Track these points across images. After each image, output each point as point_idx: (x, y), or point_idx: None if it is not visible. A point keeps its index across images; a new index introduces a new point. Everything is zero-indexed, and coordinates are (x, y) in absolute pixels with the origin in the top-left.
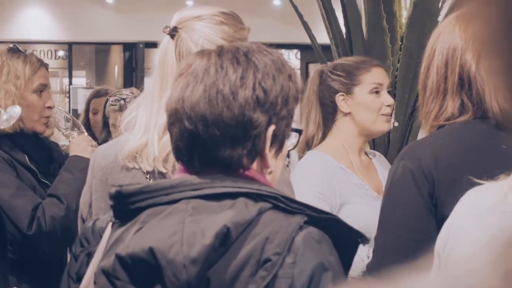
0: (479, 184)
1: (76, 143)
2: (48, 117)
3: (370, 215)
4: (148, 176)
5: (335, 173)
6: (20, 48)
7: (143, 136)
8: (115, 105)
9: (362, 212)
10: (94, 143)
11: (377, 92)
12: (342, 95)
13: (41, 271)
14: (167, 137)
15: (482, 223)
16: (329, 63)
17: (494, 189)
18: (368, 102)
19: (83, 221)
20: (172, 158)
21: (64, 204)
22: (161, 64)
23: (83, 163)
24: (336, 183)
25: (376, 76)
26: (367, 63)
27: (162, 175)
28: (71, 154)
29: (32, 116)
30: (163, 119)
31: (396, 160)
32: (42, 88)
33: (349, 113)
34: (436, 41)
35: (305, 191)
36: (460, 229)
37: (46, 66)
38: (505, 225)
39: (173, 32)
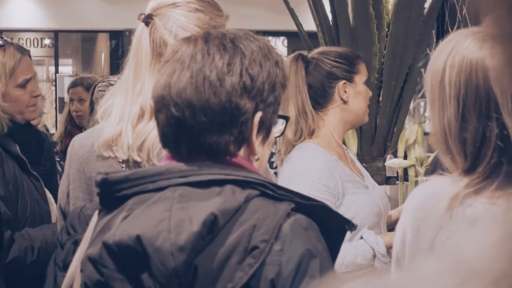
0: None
1: None
2: (34, 105)
3: (368, 204)
4: (123, 165)
5: (333, 165)
6: None
7: (118, 124)
8: (104, 90)
9: (362, 201)
10: None
11: (365, 83)
12: (345, 83)
13: None
14: (141, 125)
15: (437, 226)
16: (311, 51)
17: (447, 187)
18: (364, 92)
19: (61, 211)
20: (146, 147)
21: (33, 256)
22: (135, 52)
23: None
24: (337, 174)
25: (365, 67)
26: (356, 53)
27: (137, 164)
28: None
29: (20, 109)
30: (137, 108)
31: None
32: (27, 82)
33: (346, 101)
34: None
35: (311, 184)
36: (414, 230)
37: (28, 53)
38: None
39: (147, 20)
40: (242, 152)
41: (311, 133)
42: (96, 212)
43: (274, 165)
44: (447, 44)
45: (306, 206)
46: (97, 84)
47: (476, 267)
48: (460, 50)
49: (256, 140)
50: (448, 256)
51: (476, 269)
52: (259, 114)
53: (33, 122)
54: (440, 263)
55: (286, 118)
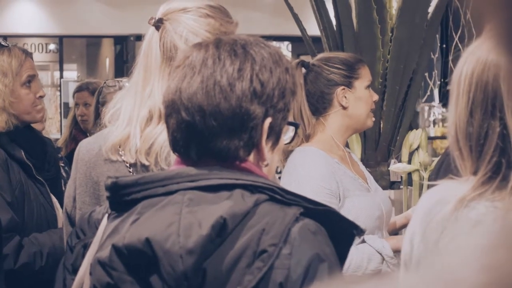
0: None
1: None
2: (39, 105)
3: (370, 206)
4: (131, 169)
5: (334, 168)
6: (2, 42)
7: (125, 128)
8: (115, 85)
9: (363, 204)
10: None
11: (368, 87)
12: (344, 88)
13: None
14: (149, 129)
15: (441, 231)
16: (314, 57)
17: (455, 191)
18: (366, 97)
19: (68, 215)
20: (154, 150)
21: (43, 262)
22: (145, 55)
23: None
24: (337, 177)
25: (368, 72)
26: (359, 58)
27: (145, 167)
28: None
29: (26, 109)
30: (145, 111)
31: None
32: (30, 79)
33: (346, 107)
34: None
35: (314, 188)
36: (421, 233)
37: (30, 55)
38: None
39: (158, 24)
40: (251, 158)
41: (307, 138)
42: (106, 215)
43: (279, 169)
44: (478, 41)
45: (314, 210)
46: (101, 90)
47: (458, 278)
48: (482, 47)
49: (266, 146)
50: (431, 267)
51: (457, 280)
52: (268, 120)
53: (38, 127)
54: (423, 274)
55: (296, 125)
